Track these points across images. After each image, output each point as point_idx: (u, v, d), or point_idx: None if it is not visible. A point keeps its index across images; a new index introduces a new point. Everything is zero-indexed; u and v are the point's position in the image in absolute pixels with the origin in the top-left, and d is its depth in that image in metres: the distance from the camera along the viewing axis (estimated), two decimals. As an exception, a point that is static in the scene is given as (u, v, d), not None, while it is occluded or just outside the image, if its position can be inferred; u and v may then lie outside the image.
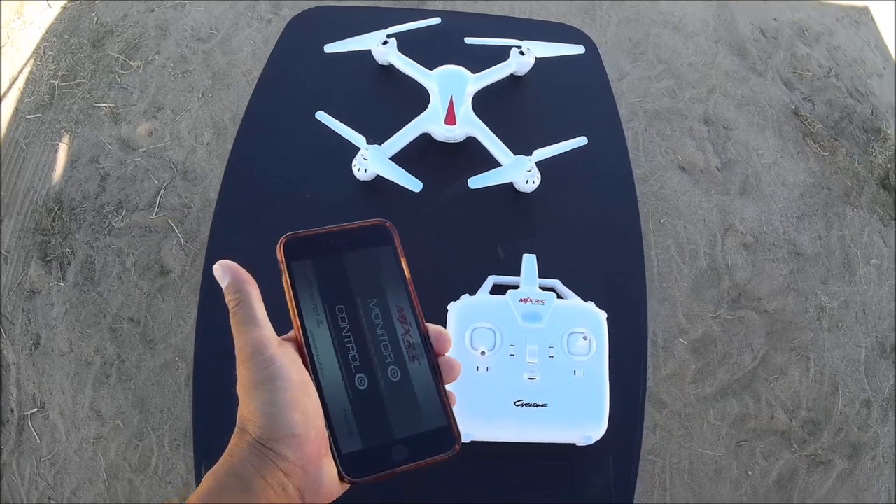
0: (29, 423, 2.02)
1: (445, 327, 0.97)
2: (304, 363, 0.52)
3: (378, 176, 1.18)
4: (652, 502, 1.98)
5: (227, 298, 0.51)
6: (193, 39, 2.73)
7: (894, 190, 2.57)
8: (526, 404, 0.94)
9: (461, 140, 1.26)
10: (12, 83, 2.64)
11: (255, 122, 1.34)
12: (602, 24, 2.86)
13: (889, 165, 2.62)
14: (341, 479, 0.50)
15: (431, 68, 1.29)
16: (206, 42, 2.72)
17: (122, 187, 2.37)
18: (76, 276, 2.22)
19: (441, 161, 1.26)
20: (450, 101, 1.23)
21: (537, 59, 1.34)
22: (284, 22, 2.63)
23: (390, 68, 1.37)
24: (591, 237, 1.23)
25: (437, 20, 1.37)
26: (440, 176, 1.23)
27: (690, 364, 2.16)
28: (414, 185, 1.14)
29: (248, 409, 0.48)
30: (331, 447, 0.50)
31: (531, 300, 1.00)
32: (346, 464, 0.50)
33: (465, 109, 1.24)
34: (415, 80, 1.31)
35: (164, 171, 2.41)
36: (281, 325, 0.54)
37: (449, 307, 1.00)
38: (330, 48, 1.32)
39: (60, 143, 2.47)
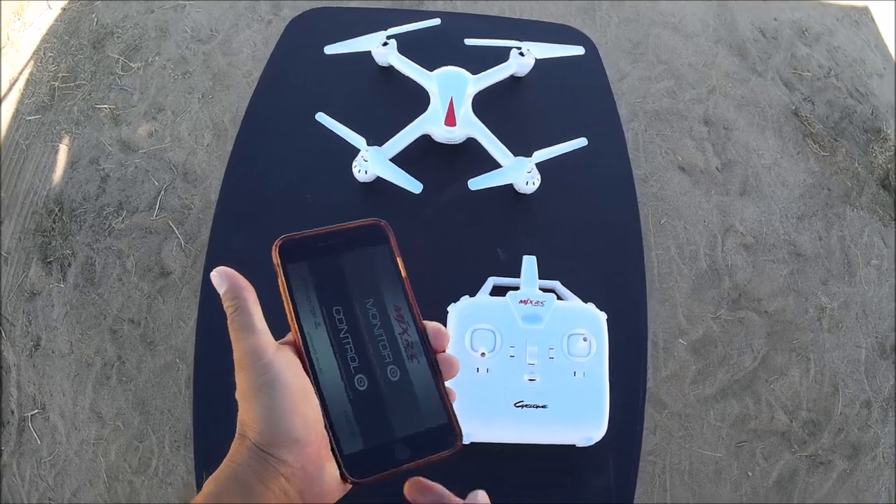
0: (29, 424, 2.02)
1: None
2: (303, 366, 0.52)
3: (378, 177, 1.18)
4: (652, 503, 1.98)
5: (225, 305, 0.51)
6: (193, 41, 2.73)
7: (894, 190, 2.57)
8: (526, 405, 0.94)
9: (461, 141, 1.26)
10: (12, 84, 2.64)
11: (256, 123, 1.34)
12: (602, 25, 2.86)
13: (889, 166, 2.62)
14: (344, 479, 0.50)
15: (431, 69, 1.29)
16: (206, 43, 2.72)
17: (122, 189, 2.37)
18: (76, 277, 2.22)
19: (441, 162, 1.26)
20: (450, 103, 1.23)
21: (537, 60, 1.35)
22: (284, 23, 2.63)
23: (390, 69, 1.37)
24: (591, 238, 1.23)
25: (436, 21, 1.37)
26: (440, 177, 1.23)
27: (690, 365, 2.16)
28: (414, 186, 1.14)
29: (247, 416, 0.48)
30: (332, 448, 0.50)
31: (531, 301, 1.00)
32: (349, 464, 0.50)
33: (465, 111, 1.24)
34: (415, 82, 1.31)
35: (164, 172, 2.41)
36: (280, 327, 0.54)
37: (449, 308, 1.00)
38: (330, 49, 1.32)
39: (61, 145, 2.48)
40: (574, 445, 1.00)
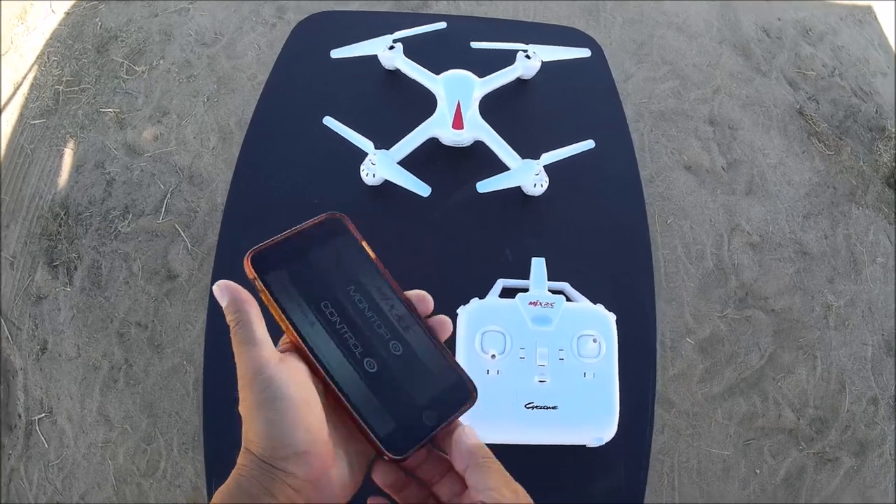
0: (37, 428, 2.02)
1: (455, 331, 0.98)
2: (311, 367, 0.52)
3: (386, 181, 1.19)
4: (660, 502, 1.98)
5: (227, 318, 0.52)
6: (198, 44, 2.73)
7: (899, 188, 2.58)
8: (536, 407, 0.94)
9: (468, 144, 1.26)
10: (17, 89, 2.64)
11: (263, 126, 1.34)
12: (606, 26, 2.86)
13: (894, 164, 2.62)
14: (389, 459, 0.51)
15: (438, 73, 1.30)
16: (210, 47, 2.72)
17: (128, 192, 2.38)
18: (83, 280, 2.22)
19: (449, 165, 1.26)
20: (457, 106, 1.23)
21: (543, 63, 1.35)
22: (289, 26, 2.65)
23: (396, 73, 1.37)
24: (599, 239, 1.23)
25: (442, 24, 1.37)
26: (448, 180, 1.23)
27: (698, 363, 2.16)
28: (422, 189, 1.14)
29: (251, 431, 0.48)
30: (367, 436, 0.51)
31: (541, 303, 1.00)
32: (388, 445, 0.51)
33: (472, 114, 1.24)
34: (421, 85, 1.31)
35: (170, 175, 2.41)
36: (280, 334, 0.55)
37: (459, 311, 1.01)
38: (336, 53, 1.32)
39: (66, 149, 2.48)
40: (584, 446, 1.00)
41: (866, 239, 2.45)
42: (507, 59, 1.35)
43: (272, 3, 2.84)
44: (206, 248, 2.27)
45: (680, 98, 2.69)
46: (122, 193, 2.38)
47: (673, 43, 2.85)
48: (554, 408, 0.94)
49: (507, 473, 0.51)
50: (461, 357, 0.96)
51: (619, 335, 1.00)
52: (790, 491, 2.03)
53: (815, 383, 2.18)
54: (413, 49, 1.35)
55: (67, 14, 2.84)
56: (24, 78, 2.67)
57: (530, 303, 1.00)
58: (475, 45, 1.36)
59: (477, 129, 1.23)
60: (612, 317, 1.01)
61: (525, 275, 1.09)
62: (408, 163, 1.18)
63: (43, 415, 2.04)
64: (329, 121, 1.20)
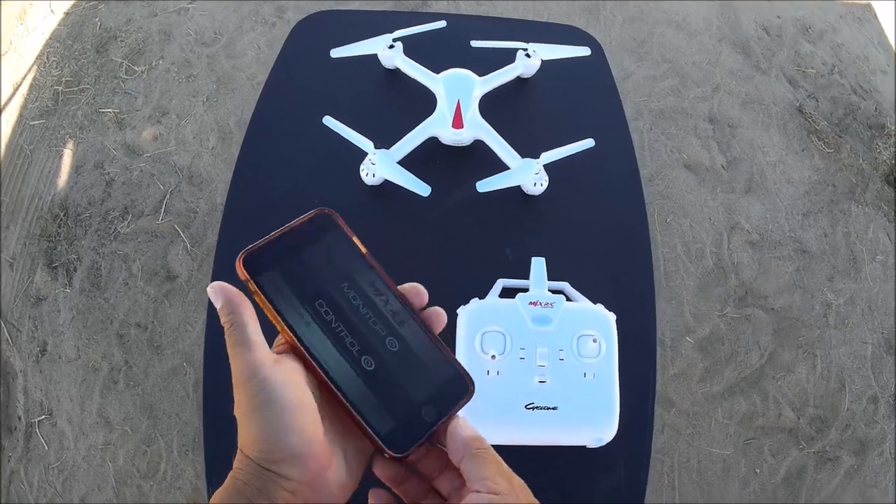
0: (36, 430, 2.02)
1: (455, 332, 0.98)
2: (308, 367, 0.52)
3: (386, 180, 1.18)
4: (661, 502, 1.98)
5: (222, 320, 0.51)
6: (197, 44, 2.73)
7: (899, 186, 2.58)
8: (537, 407, 0.94)
9: (468, 143, 1.26)
10: (16, 89, 2.64)
11: (263, 126, 1.34)
12: (606, 24, 2.86)
13: (893, 162, 2.62)
14: (392, 458, 0.51)
15: (437, 72, 1.29)
16: (210, 46, 2.72)
17: (127, 193, 2.38)
18: (82, 282, 2.22)
19: (448, 165, 1.26)
20: (457, 105, 1.23)
21: (543, 62, 1.34)
22: (288, 25, 2.64)
23: (396, 72, 1.37)
24: (599, 239, 1.23)
25: (442, 23, 1.37)
26: (448, 180, 1.23)
27: (698, 363, 2.16)
28: (422, 189, 1.14)
29: (245, 435, 0.48)
30: (368, 435, 0.51)
31: (541, 303, 1.00)
32: (389, 443, 0.51)
33: (472, 113, 1.23)
34: (421, 84, 1.31)
35: (169, 176, 2.41)
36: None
37: (459, 311, 1.00)
38: (336, 53, 1.32)
39: (65, 149, 2.48)
40: (584, 446, 1.00)
41: (866, 237, 2.45)
42: (507, 57, 1.35)
43: (271, 3, 2.84)
44: (206, 248, 2.27)
45: (679, 96, 2.69)
46: (121, 194, 2.37)
47: (673, 41, 2.85)
48: (554, 408, 0.94)
49: (503, 463, 0.51)
50: (461, 357, 0.96)
51: (619, 335, 1.00)
52: (790, 490, 2.03)
53: (815, 382, 2.18)
54: (413, 48, 1.35)
55: (67, 14, 2.84)
56: (24, 78, 2.67)
57: (530, 303, 1.00)
58: (475, 43, 1.36)
59: (477, 129, 1.23)
60: (612, 317, 1.01)
61: (525, 274, 1.09)
62: (407, 162, 1.18)
63: (43, 417, 2.04)
64: (329, 120, 1.20)
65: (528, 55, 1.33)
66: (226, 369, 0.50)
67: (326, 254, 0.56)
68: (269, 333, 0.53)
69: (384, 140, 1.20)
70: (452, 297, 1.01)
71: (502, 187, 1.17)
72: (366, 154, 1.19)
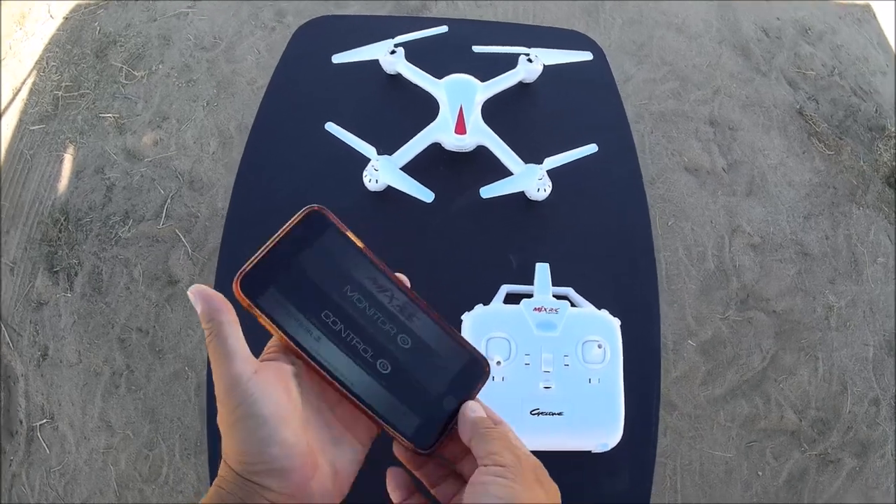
0: (38, 434, 2.02)
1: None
2: (325, 380, 0.52)
3: (389, 186, 1.18)
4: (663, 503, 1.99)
5: (203, 326, 0.50)
6: (197, 48, 2.73)
7: (900, 188, 2.58)
8: (542, 413, 0.94)
9: (471, 149, 1.26)
10: (15, 94, 2.64)
11: (264, 131, 1.34)
12: (606, 27, 2.86)
13: (894, 163, 2.62)
14: (421, 455, 0.53)
15: (439, 77, 1.29)
16: (209, 51, 2.72)
17: (128, 197, 2.37)
18: (83, 286, 2.22)
19: (451, 170, 1.26)
20: (459, 111, 1.22)
21: (545, 67, 1.34)
22: (288, 30, 2.65)
23: (398, 77, 1.37)
24: (603, 244, 1.23)
25: (444, 28, 1.37)
26: (451, 186, 1.22)
27: (700, 366, 2.16)
28: (426, 195, 1.14)
29: (228, 446, 0.48)
30: (395, 437, 0.52)
31: (545, 309, 1.00)
32: (417, 441, 0.52)
33: (474, 118, 1.23)
34: (422, 89, 1.31)
35: (170, 180, 2.41)
36: (264, 343, 0.54)
37: (463, 317, 1.00)
38: (338, 58, 1.32)
39: (65, 154, 2.48)
40: (589, 452, 1.00)
41: (867, 239, 2.45)
42: (509, 62, 1.35)
43: (271, 7, 2.84)
44: (207, 253, 2.27)
45: (680, 99, 2.69)
46: (122, 199, 2.37)
47: (672, 44, 2.85)
48: (559, 414, 0.94)
49: (514, 441, 0.51)
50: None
51: (623, 341, 1.00)
52: (793, 493, 2.03)
53: (817, 384, 2.18)
54: (414, 53, 1.35)
55: (66, 19, 2.84)
56: (23, 83, 2.67)
57: (535, 309, 1.00)
58: (477, 49, 1.36)
59: (479, 134, 1.23)
60: (616, 322, 1.01)
61: (529, 280, 1.09)
62: (410, 168, 1.18)
63: (44, 421, 2.04)
64: (331, 126, 1.19)
65: (529, 60, 1.33)
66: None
67: (324, 257, 0.54)
68: (253, 338, 0.52)
69: (386, 145, 1.20)
70: (457, 303, 1.01)
71: (506, 193, 1.17)
72: (368, 159, 1.19)
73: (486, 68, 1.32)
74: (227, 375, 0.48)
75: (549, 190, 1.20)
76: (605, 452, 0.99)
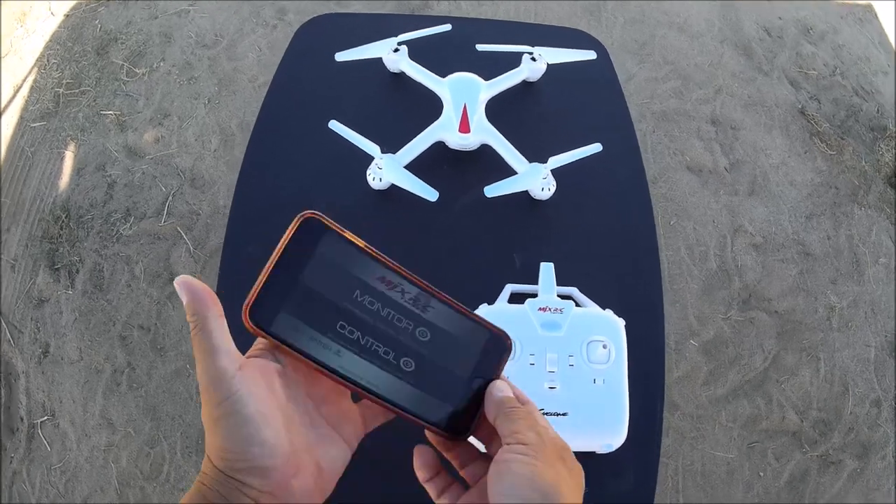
0: (39, 431, 2.02)
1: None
2: (354, 391, 0.52)
3: (393, 185, 1.18)
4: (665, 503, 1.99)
5: (188, 319, 0.49)
6: (198, 46, 2.72)
7: (902, 188, 2.58)
8: (547, 413, 0.94)
9: (475, 148, 1.25)
10: (16, 91, 2.64)
11: (268, 129, 1.33)
12: (608, 26, 2.86)
13: (895, 164, 2.62)
14: (458, 440, 0.54)
15: (442, 75, 1.29)
16: (211, 48, 2.72)
17: (129, 195, 2.37)
18: (85, 284, 2.22)
19: (455, 169, 1.26)
20: (463, 109, 1.22)
21: (548, 65, 1.34)
22: (289, 27, 2.65)
23: (401, 76, 1.37)
24: (607, 243, 1.22)
25: (447, 27, 1.36)
26: (455, 184, 1.22)
27: (702, 366, 2.16)
28: (430, 194, 1.14)
29: (210, 442, 0.47)
30: (432, 431, 0.53)
31: (550, 309, 1.00)
32: (452, 430, 0.53)
33: (478, 117, 1.23)
34: (426, 87, 1.30)
35: (171, 178, 2.41)
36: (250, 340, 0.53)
37: (468, 317, 1.00)
38: (341, 56, 1.32)
39: (66, 151, 2.48)
40: (594, 452, 0.99)
41: (869, 239, 2.45)
42: (512, 61, 1.34)
43: (272, 5, 2.84)
44: (209, 250, 2.26)
45: (682, 98, 2.69)
46: (123, 196, 2.37)
47: (674, 43, 2.85)
48: (564, 414, 0.94)
49: (539, 420, 0.52)
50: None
51: (627, 341, 1.00)
52: (794, 493, 2.03)
53: (819, 385, 2.18)
54: (417, 51, 1.34)
55: (67, 16, 2.84)
56: (24, 81, 2.66)
57: (539, 308, 1.00)
58: (480, 47, 1.35)
59: (483, 133, 1.23)
60: (621, 322, 1.01)
61: (533, 280, 1.08)
62: (414, 167, 1.18)
63: (45, 418, 2.03)
64: (335, 125, 1.19)
65: (533, 59, 1.33)
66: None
67: (328, 266, 0.52)
68: (243, 337, 0.51)
69: (389, 144, 1.20)
70: (461, 302, 1.01)
71: (510, 192, 1.17)
72: (372, 158, 1.18)
73: (489, 67, 1.32)
74: (211, 371, 0.47)
75: (553, 189, 1.20)
76: (609, 453, 0.98)
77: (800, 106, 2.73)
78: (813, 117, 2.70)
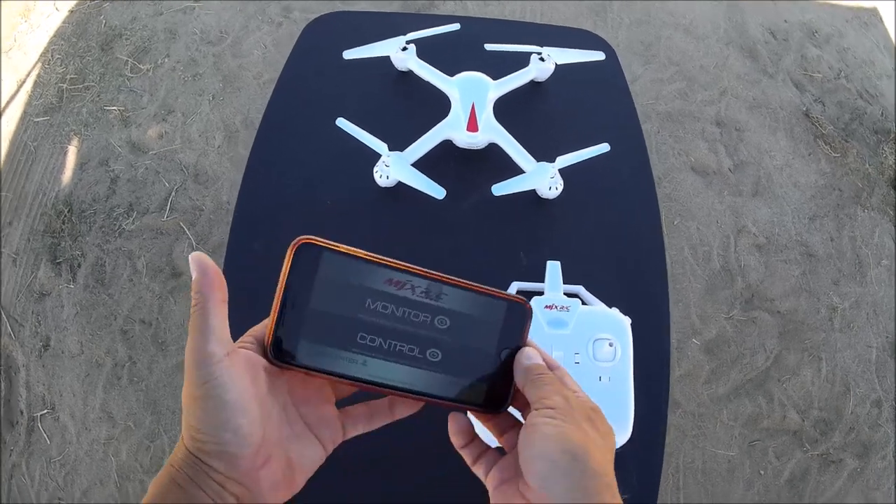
0: (38, 424, 2.02)
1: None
2: (390, 394, 0.53)
3: (400, 182, 1.18)
4: (666, 502, 1.98)
5: (191, 294, 0.49)
6: (203, 42, 2.72)
7: (904, 191, 2.58)
8: (552, 411, 0.94)
9: (483, 147, 1.25)
10: (20, 86, 2.64)
11: (274, 125, 1.33)
12: (613, 27, 2.86)
13: (899, 166, 2.63)
14: (498, 414, 0.56)
15: (451, 74, 1.29)
16: (215, 45, 2.72)
17: (132, 190, 2.37)
18: (86, 278, 2.22)
19: (463, 168, 1.26)
20: (471, 108, 1.22)
21: (556, 66, 1.34)
22: (295, 25, 2.65)
23: (408, 74, 1.37)
24: (614, 242, 1.23)
25: (456, 26, 1.36)
26: (462, 183, 1.22)
27: (704, 364, 2.16)
28: (437, 192, 1.14)
29: (185, 421, 0.48)
30: (474, 412, 0.55)
31: (556, 307, 1.00)
32: (493, 405, 0.55)
33: (486, 116, 1.23)
34: (433, 86, 1.30)
35: (174, 173, 2.41)
36: (249, 324, 0.54)
37: (474, 314, 1.00)
38: (349, 54, 1.32)
39: (69, 146, 2.48)
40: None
41: (871, 241, 2.45)
42: (520, 61, 1.34)
43: (278, 2, 2.84)
44: (212, 246, 2.26)
45: (687, 99, 2.69)
46: (126, 191, 2.37)
47: (680, 44, 2.85)
48: (570, 412, 0.94)
49: (567, 385, 0.53)
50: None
51: (633, 339, 1.00)
52: (794, 492, 2.03)
53: (820, 385, 2.19)
54: (425, 50, 1.34)
55: (71, 12, 2.84)
56: (28, 75, 2.66)
57: (546, 306, 1.00)
58: (489, 47, 1.35)
59: (491, 132, 1.23)
60: (627, 320, 1.01)
61: (540, 278, 1.09)
62: (421, 165, 1.18)
63: (45, 411, 2.03)
64: (342, 122, 1.19)
65: (542, 59, 1.33)
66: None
67: (333, 285, 0.51)
68: (237, 322, 0.51)
69: (396, 142, 1.20)
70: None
71: (517, 191, 1.17)
72: (378, 155, 1.18)
73: (497, 66, 1.32)
74: (199, 351, 0.47)
75: (560, 188, 1.20)
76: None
77: (804, 108, 2.73)
78: (817, 120, 2.70)
